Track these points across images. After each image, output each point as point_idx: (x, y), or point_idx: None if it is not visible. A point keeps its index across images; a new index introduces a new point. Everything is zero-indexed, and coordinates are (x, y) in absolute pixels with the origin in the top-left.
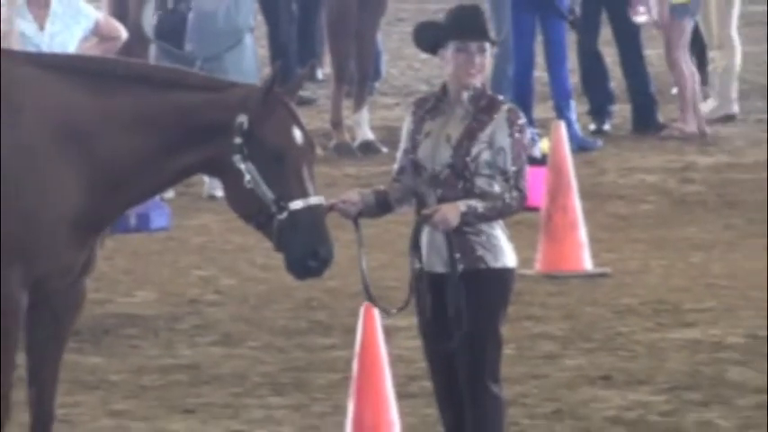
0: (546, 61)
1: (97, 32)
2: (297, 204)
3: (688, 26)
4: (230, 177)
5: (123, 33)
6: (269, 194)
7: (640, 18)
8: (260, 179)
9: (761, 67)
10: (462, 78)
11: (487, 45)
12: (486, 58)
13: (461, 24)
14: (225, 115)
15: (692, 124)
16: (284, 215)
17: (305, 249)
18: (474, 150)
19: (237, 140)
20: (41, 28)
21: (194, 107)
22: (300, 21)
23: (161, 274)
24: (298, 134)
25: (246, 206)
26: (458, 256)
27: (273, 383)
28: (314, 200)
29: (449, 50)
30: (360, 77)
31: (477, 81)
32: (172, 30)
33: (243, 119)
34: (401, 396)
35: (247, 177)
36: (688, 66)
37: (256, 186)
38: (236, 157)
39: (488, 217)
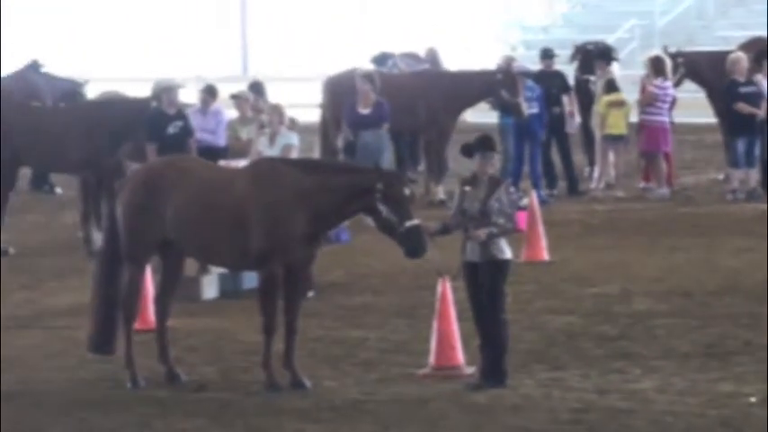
0: (528, 161)
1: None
2: (408, 223)
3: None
4: (377, 212)
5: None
6: (394, 219)
7: (571, 130)
8: (390, 213)
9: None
10: (485, 170)
11: (497, 155)
12: (495, 160)
13: (484, 145)
14: (372, 182)
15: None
16: (403, 229)
17: (413, 244)
18: (490, 203)
19: (379, 195)
20: (272, 146)
21: (358, 179)
22: (410, 143)
23: (346, 263)
24: (407, 190)
25: (385, 226)
26: (484, 252)
27: (398, 313)
28: (416, 221)
29: (477, 156)
30: (437, 169)
31: (492, 170)
32: (352, 148)
33: (381, 184)
34: (459, 319)
35: (384, 212)
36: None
37: (389, 216)
38: (379, 203)
39: (497, 235)
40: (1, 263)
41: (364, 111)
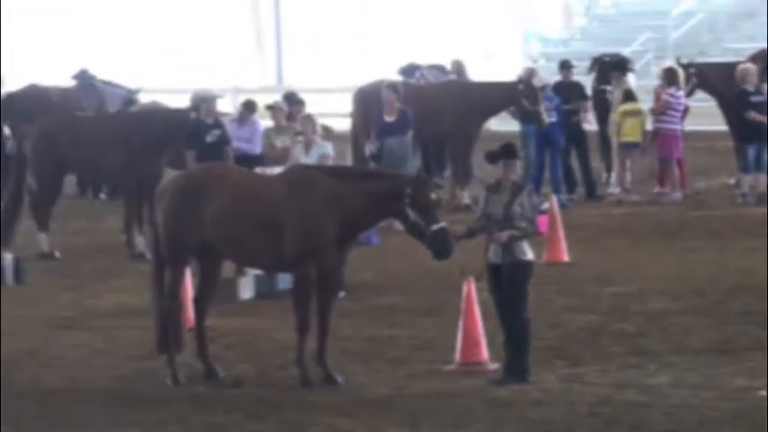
0: (549, 167)
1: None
2: (435, 227)
3: (632, 154)
4: (405, 216)
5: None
6: (422, 223)
7: (587, 126)
8: (418, 216)
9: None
10: (508, 176)
11: (519, 161)
12: (518, 166)
13: (507, 152)
14: (401, 188)
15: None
16: (430, 232)
17: (441, 246)
18: (513, 207)
19: (407, 200)
20: (307, 154)
21: (388, 185)
22: (435, 151)
23: (375, 265)
24: (433, 195)
25: (413, 229)
26: (508, 254)
27: (425, 312)
28: (442, 224)
29: (501, 163)
30: (462, 175)
31: (514, 176)
32: (378, 155)
33: (409, 189)
34: (484, 317)
35: (412, 217)
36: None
37: (416, 220)
38: (407, 207)
39: (519, 238)
40: (47, 266)
41: (389, 119)
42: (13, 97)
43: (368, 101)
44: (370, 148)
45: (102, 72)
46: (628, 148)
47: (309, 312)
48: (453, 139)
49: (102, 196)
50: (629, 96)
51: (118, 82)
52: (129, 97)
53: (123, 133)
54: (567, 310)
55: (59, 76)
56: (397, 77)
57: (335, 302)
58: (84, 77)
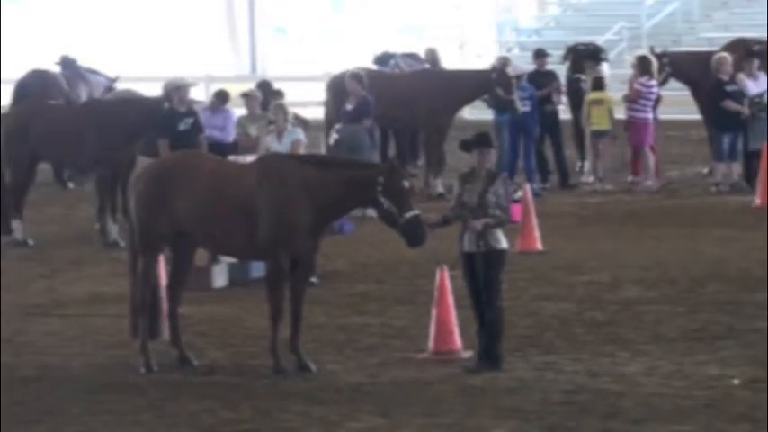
0: (522, 156)
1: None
2: (408, 214)
3: (603, 142)
4: (378, 204)
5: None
6: (395, 211)
7: (561, 108)
8: (391, 205)
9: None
10: (483, 164)
11: (493, 150)
12: (492, 155)
13: (481, 141)
14: (374, 177)
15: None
16: (403, 220)
17: (414, 234)
18: (488, 196)
19: (379, 188)
20: (280, 142)
21: (361, 174)
22: (411, 138)
23: (349, 253)
24: (406, 183)
25: (387, 217)
26: (482, 243)
27: (398, 300)
28: (416, 212)
29: (475, 152)
30: (436, 163)
31: (489, 165)
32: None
33: (381, 178)
34: (457, 306)
35: (385, 205)
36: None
37: (390, 208)
38: (380, 196)
39: (494, 226)
40: (20, 253)
41: (348, 107)
42: (23, 85)
43: (339, 90)
44: (333, 137)
45: (79, 60)
46: (598, 136)
47: (283, 300)
48: (427, 127)
49: (71, 185)
50: (598, 85)
51: (97, 69)
52: (109, 85)
53: (96, 121)
54: (540, 299)
55: (33, 64)
56: (372, 66)
57: (307, 289)
58: (68, 64)
